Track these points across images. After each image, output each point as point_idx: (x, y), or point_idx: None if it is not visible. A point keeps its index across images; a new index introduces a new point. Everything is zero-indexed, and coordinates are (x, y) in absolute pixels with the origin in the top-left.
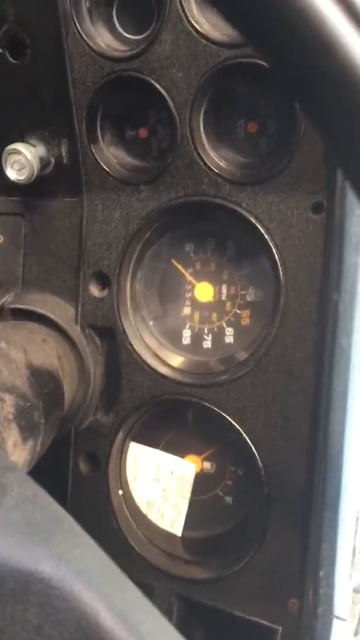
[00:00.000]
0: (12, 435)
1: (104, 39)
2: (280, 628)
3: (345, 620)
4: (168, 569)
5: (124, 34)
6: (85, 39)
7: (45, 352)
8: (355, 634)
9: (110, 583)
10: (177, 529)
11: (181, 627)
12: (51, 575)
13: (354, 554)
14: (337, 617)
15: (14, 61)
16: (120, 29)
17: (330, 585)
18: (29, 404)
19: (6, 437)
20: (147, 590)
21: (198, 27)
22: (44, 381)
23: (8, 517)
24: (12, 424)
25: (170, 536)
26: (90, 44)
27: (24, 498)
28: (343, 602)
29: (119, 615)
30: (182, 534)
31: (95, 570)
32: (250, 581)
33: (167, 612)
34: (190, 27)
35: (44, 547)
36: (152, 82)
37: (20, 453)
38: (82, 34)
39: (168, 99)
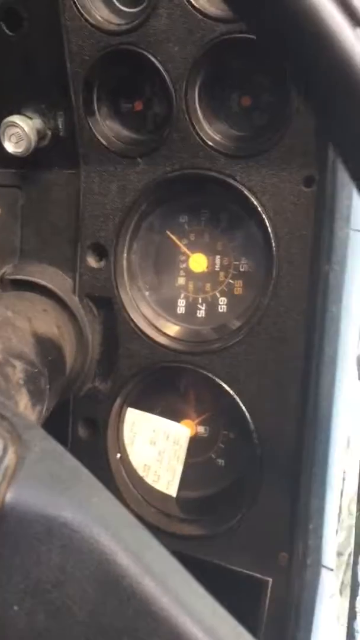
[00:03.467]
0: (23, 400)
1: (100, 12)
2: (270, 580)
3: (332, 569)
4: (164, 526)
5: (121, 7)
6: (82, 12)
7: (47, 321)
8: (341, 594)
9: (124, 527)
10: (172, 490)
11: None
12: (72, 520)
13: (340, 511)
14: (325, 567)
15: (11, 33)
16: (116, 2)
17: (319, 537)
18: (36, 370)
19: (18, 401)
20: None
21: (193, 2)
22: (47, 349)
23: (33, 469)
24: (22, 389)
25: (165, 497)
26: (87, 17)
27: (45, 452)
28: (330, 553)
29: (134, 555)
30: (177, 495)
31: (111, 515)
32: (242, 537)
33: None
34: (185, 1)
35: (65, 495)
36: (149, 55)
37: (30, 417)
38: (79, 7)
39: (164, 73)
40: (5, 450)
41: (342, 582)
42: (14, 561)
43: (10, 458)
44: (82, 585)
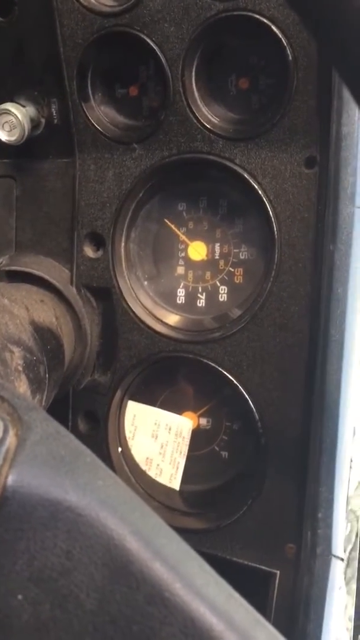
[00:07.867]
0: (22, 386)
1: None
2: (278, 572)
3: (343, 559)
4: (167, 521)
5: None
6: None
7: (45, 311)
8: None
9: (132, 510)
10: (175, 483)
11: None
12: (77, 503)
13: (347, 501)
14: (335, 556)
15: (1, 19)
16: None
17: (329, 526)
18: (34, 357)
19: (18, 387)
20: None
21: None
22: (46, 338)
23: (34, 451)
24: (22, 375)
25: (168, 490)
26: None
27: (47, 434)
28: (340, 542)
29: (144, 538)
30: (181, 488)
31: (118, 498)
32: (248, 529)
33: None
34: None
35: (70, 478)
36: (144, 37)
37: None
38: None
39: (160, 54)
40: (5, 432)
41: (346, 576)
42: (18, 547)
43: (11, 440)
44: (89, 571)
